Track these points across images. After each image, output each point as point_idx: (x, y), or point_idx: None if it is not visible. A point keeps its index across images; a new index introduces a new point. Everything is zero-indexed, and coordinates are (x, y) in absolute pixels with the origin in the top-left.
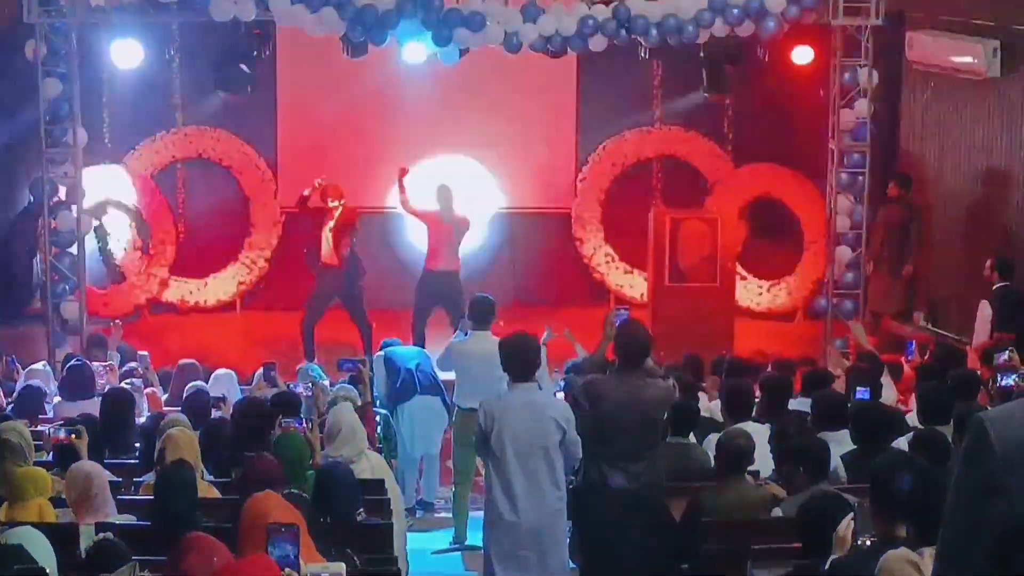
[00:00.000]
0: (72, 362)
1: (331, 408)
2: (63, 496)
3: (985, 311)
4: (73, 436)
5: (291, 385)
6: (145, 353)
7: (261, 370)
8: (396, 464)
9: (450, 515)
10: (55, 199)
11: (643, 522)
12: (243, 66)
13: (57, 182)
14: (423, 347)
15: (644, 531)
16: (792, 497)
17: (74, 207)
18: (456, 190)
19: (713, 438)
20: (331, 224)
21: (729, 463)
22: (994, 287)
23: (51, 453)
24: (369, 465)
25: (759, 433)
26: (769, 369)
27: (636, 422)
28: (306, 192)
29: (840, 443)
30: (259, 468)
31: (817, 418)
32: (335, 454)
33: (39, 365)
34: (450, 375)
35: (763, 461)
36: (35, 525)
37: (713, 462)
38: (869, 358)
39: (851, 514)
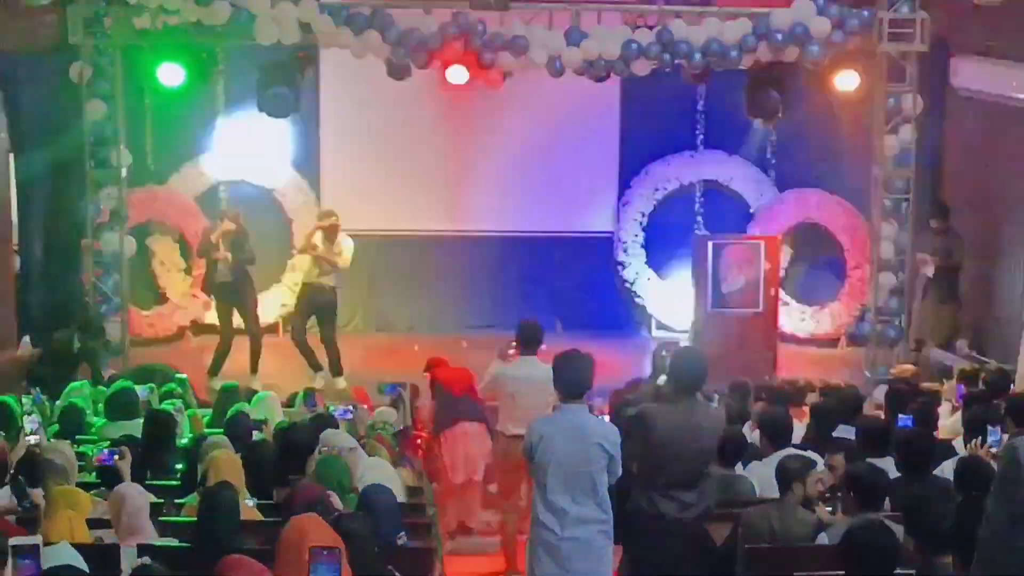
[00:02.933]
0: (117, 383)
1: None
2: (105, 517)
3: None
4: (116, 457)
5: (331, 408)
6: (184, 376)
7: (301, 395)
8: (437, 488)
9: (491, 540)
10: (99, 220)
11: (693, 551)
12: (285, 89)
13: (101, 203)
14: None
15: (694, 560)
16: (840, 523)
17: (117, 228)
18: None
19: (755, 465)
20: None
21: (779, 483)
22: None
23: (94, 474)
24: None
25: None
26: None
27: (691, 450)
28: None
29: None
30: (306, 493)
31: (861, 445)
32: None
33: (77, 384)
34: None
35: None
36: (73, 545)
37: (759, 492)
38: (907, 383)
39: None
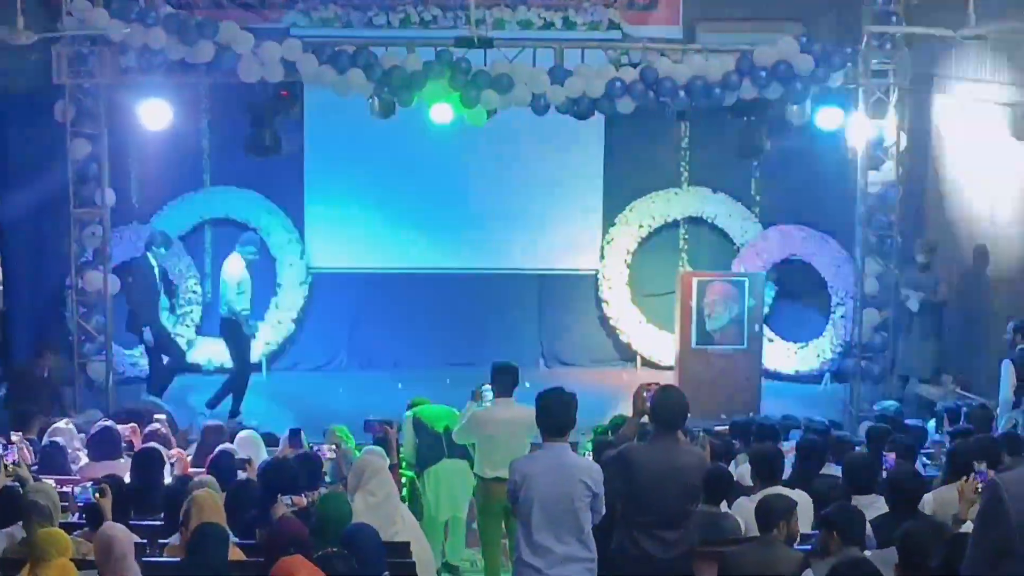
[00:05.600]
0: (99, 423)
1: (364, 452)
2: (89, 558)
3: (1009, 370)
4: (97, 495)
5: (315, 447)
6: (162, 416)
7: (287, 434)
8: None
9: None
10: (82, 259)
11: None
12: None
13: (85, 242)
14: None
15: None
16: (823, 561)
17: (101, 267)
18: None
19: (742, 502)
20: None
21: (763, 522)
22: (1017, 348)
23: (76, 514)
24: (404, 526)
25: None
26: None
27: (672, 488)
28: None
29: (870, 508)
30: (287, 531)
31: (848, 483)
32: (370, 494)
33: (62, 423)
34: None
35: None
36: None
37: (744, 530)
38: (891, 420)
39: None
